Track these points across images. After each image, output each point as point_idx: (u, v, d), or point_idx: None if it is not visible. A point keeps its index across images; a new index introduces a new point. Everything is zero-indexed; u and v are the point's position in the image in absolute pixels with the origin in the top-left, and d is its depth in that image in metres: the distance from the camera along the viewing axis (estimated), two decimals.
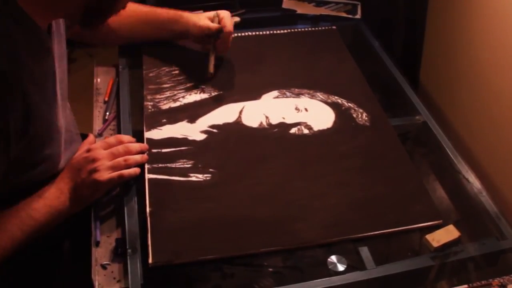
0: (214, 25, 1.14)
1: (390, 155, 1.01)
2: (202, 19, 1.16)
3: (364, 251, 0.84)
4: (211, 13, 1.18)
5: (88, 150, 0.91)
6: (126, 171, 0.90)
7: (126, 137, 0.96)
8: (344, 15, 1.44)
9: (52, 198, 0.85)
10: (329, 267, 0.82)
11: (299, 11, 1.44)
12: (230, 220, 0.87)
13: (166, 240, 0.84)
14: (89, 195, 0.88)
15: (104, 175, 0.87)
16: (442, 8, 1.28)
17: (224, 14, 1.17)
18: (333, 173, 0.96)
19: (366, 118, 1.08)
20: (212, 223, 0.87)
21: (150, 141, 1.00)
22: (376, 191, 0.93)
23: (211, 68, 1.14)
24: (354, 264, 0.82)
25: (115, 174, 0.88)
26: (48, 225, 0.84)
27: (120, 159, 0.90)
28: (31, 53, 0.76)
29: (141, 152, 0.95)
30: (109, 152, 0.90)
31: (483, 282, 0.80)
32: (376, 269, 0.81)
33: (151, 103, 1.10)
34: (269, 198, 0.91)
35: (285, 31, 1.36)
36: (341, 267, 0.82)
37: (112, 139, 0.94)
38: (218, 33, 1.14)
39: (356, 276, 0.80)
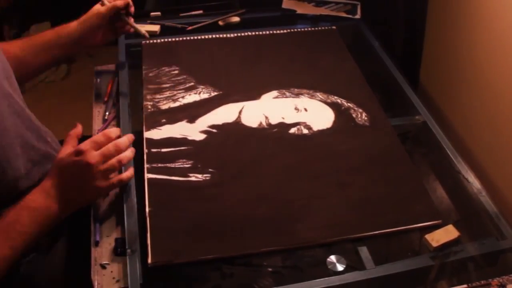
0: (116, 2, 1.14)
1: (390, 155, 1.01)
2: (93, 11, 1.13)
3: (364, 251, 0.84)
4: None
5: (78, 153, 0.86)
6: (125, 175, 0.90)
7: (113, 131, 0.91)
8: (344, 15, 1.44)
9: (42, 209, 0.82)
10: (329, 267, 0.82)
11: (299, 11, 1.44)
12: (229, 220, 0.87)
13: (166, 240, 0.84)
14: (88, 201, 0.88)
15: (104, 182, 0.86)
16: (442, 8, 1.28)
17: None
18: (332, 173, 0.96)
19: (365, 118, 1.08)
20: (212, 223, 0.87)
21: (150, 141, 1.00)
22: (376, 191, 0.93)
23: (143, 31, 1.19)
24: (354, 264, 0.82)
25: (115, 179, 0.88)
26: (41, 232, 0.82)
27: (114, 161, 0.87)
28: None
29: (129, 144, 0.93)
30: (100, 154, 0.86)
31: (482, 282, 0.80)
32: (376, 269, 0.81)
33: (151, 103, 1.10)
34: (269, 198, 0.91)
35: (285, 31, 1.36)
36: (340, 267, 0.81)
37: (100, 137, 0.89)
38: (126, 5, 1.16)
39: (355, 276, 0.80)
